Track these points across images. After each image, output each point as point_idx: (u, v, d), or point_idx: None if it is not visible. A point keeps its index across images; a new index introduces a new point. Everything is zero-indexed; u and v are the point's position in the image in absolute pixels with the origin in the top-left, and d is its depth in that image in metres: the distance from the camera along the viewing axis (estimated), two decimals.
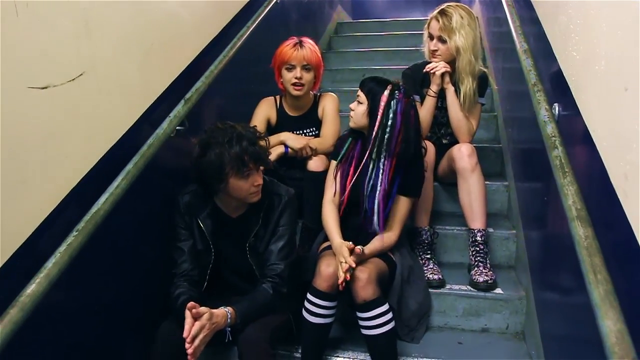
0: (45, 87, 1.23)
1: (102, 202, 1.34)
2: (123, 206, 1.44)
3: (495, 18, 3.14)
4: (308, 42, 2.22)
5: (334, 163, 1.96)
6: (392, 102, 1.73)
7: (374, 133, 1.75)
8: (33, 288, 1.10)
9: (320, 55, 2.26)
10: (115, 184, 1.40)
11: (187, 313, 1.45)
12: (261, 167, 1.67)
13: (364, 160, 1.82)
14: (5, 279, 1.11)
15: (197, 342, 1.42)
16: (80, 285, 1.38)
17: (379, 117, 1.74)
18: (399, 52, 4.08)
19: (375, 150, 1.77)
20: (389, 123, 1.73)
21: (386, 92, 1.75)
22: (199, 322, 1.44)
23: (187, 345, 1.42)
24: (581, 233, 1.04)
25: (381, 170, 1.78)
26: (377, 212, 1.78)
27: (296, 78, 2.16)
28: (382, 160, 1.77)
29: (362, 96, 1.82)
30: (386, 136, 1.74)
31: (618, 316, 0.87)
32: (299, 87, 2.18)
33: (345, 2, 5.71)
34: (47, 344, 1.26)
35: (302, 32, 2.32)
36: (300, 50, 2.16)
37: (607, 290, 0.91)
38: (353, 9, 6.12)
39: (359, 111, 1.82)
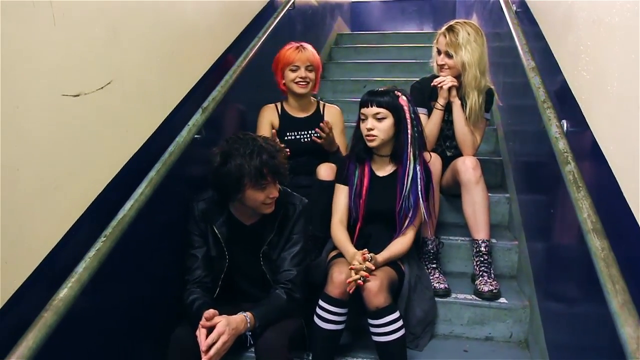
0: (77, 95, 1.25)
1: (128, 209, 1.36)
2: (145, 212, 1.46)
3: (494, 33, 3.21)
4: (307, 45, 2.34)
5: (339, 187, 2.01)
6: (409, 103, 1.89)
7: (409, 137, 1.87)
8: (65, 292, 1.11)
9: (319, 57, 2.39)
10: (139, 190, 1.42)
11: (202, 323, 1.47)
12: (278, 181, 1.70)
13: (405, 165, 1.90)
14: (39, 281, 1.12)
15: (213, 351, 1.44)
16: (106, 289, 1.40)
17: (408, 121, 1.86)
18: (398, 64, 4.16)
19: (414, 151, 1.88)
20: (415, 122, 1.88)
21: (404, 98, 1.88)
22: (216, 330, 1.46)
23: (203, 357, 1.43)
24: (598, 245, 1.08)
25: (418, 167, 1.90)
26: (422, 206, 1.89)
27: (300, 77, 2.27)
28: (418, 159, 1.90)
29: (383, 112, 1.86)
30: (416, 135, 1.88)
31: (637, 323, 0.91)
32: (304, 84, 2.29)
33: (344, 13, 5.78)
34: (73, 346, 1.28)
35: (306, 41, 2.40)
36: (304, 52, 2.29)
37: (626, 300, 0.96)
38: (352, 20, 6.21)
39: (385, 126, 1.87)
